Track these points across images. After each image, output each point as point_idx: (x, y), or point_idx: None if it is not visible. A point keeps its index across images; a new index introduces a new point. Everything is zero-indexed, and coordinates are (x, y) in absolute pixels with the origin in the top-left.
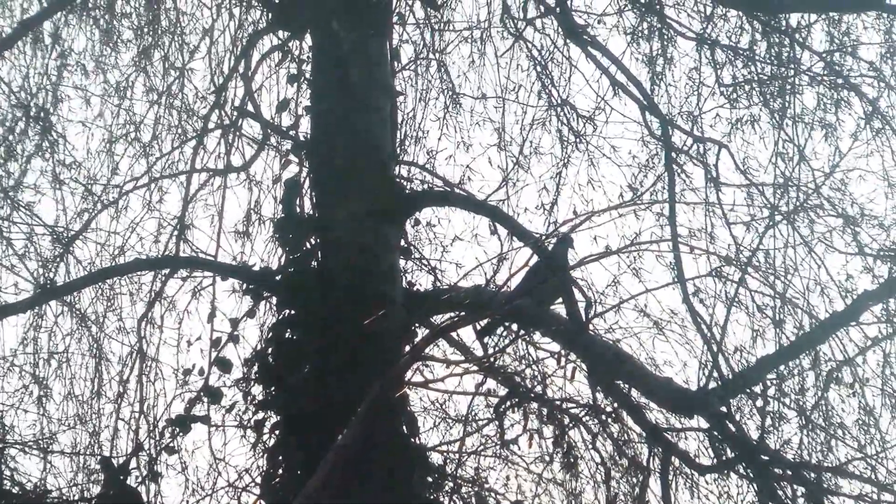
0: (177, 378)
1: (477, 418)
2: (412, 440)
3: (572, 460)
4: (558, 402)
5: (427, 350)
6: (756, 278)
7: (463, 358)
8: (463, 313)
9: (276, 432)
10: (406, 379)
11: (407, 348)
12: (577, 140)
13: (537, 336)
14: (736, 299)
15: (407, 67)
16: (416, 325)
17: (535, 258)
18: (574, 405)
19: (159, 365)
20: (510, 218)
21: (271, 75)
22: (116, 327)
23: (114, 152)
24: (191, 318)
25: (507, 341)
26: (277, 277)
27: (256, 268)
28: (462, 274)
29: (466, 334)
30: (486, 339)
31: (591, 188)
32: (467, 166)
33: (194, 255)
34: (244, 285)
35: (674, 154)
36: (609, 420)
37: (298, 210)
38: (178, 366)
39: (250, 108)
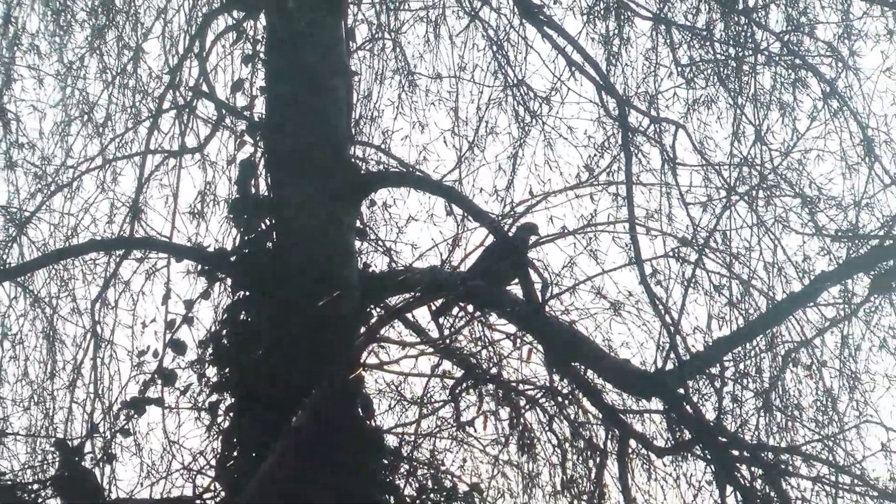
0: (131, 360)
1: (433, 400)
2: (367, 422)
3: (528, 442)
4: (514, 384)
5: (382, 331)
6: (713, 259)
7: (418, 339)
8: (418, 294)
9: (231, 415)
10: (361, 360)
11: (362, 330)
12: (533, 120)
13: (493, 317)
14: (693, 280)
15: (362, 47)
16: (372, 306)
17: (490, 239)
18: (530, 387)
19: (114, 347)
20: (466, 198)
21: (226, 56)
22: (70, 309)
23: (67, 133)
24: (145, 300)
25: (462, 323)
26: (232, 259)
27: (211, 249)
28: (418, 255)
29: (422, 316)
30: (441, 320)
31: (547, 169)
32: (423, 146)
33: (149, 236)
34: (199, 267)
35: (630, 135)
36: (566, 402)
37: (253, 191)
38: (132, 348)
39: (205, 88)
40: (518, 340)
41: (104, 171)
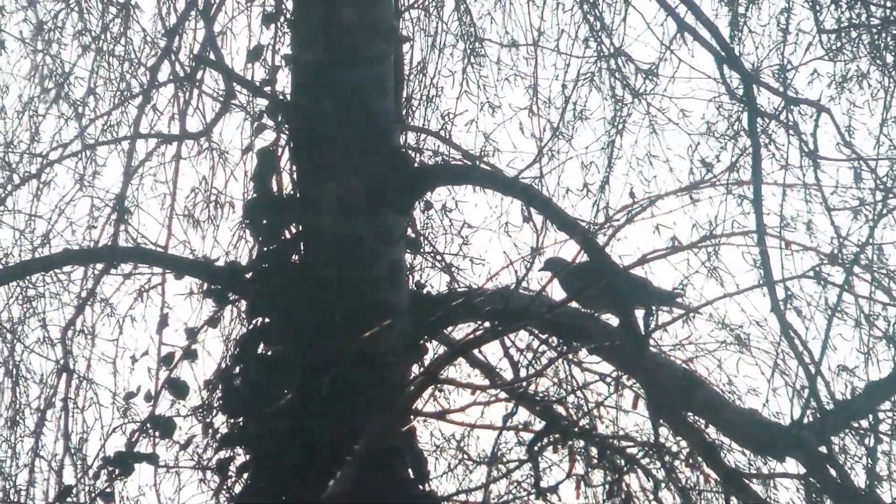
0: (115, 404)
1: (506, 459)
2: (420, 487)
3: None
4: (612, 440)
5: (442, 372)
6: (866, 280)
7: (488, 382)
8: (489, 324)
9: (245, 476)
10: (414, 408)
11: (415, 369)
12: (635, 100)
13: (584, 354)
14: (839, 308)
15: (416, 5)
16: (426, 337)
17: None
18: (632, 444)
19: (93, 387)
20: (548, 201)
21: (241, 13)
22: (38, 338)
23: (36, 111)
24: (135, 327)
25: (545, 360)
26: (248, 276)
27: (220, 263)
28: (487, 274)
29: (491, 351)
30: (517, 358)
31: (651, 164)
32: (492, 134)
33: (139, 245)
34: (204, 286)
35: (760, 120)
36: (677, 463)
37: (275, 189)
38: (117, 389)
39: (212, 56)
40: (617, 384)
41: (83, 161)
